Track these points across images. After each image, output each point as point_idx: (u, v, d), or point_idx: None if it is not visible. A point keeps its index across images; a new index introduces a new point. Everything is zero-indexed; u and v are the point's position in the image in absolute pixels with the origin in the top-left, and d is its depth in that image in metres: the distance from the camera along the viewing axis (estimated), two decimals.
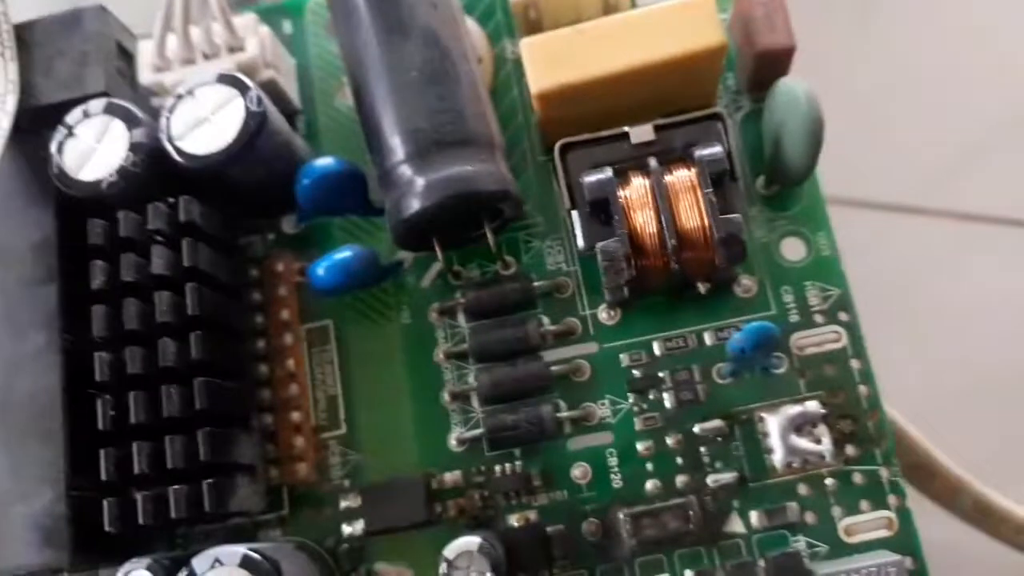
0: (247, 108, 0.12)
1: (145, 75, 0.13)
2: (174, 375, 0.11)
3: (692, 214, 0.11)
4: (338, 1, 0.13)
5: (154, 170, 0.12)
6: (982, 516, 0.18)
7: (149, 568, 0.11)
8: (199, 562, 0.11)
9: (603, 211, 0.12)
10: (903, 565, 0.11)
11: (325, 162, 0.13)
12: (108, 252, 0.12)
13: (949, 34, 0.23)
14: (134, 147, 0.12)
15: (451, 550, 0.11)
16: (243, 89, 0.12)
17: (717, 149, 0.11)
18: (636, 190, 0.12)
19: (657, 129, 0.12)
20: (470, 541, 0.11)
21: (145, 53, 0.13)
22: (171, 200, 0.12)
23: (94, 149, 0.12)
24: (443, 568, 0.11)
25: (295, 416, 0.13)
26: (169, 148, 0.12)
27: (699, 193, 0.11)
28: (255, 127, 0.12)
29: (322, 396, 0.13)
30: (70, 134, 0.12)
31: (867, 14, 0.24)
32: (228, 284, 0.12)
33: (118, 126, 0.12)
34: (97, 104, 0.12)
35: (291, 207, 0.14)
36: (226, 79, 0.12)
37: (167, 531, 0.12)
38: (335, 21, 0.13)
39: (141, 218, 0.12)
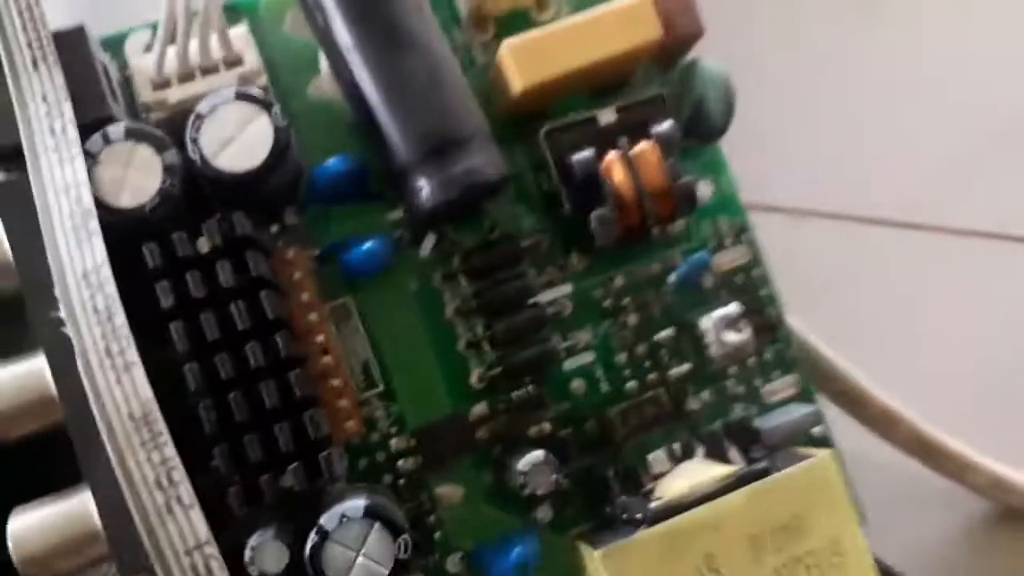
0: (275, 125, 0.13)
1: (146, 94, 0.14)
2: (265, 373, 0.13)
3: (657, 179, 0.15)
4: (323, 18, 0.14)
5: (187, 188, 0.13)
6: (923, 449, 0.20)
7: (277, 536, 0.13)
8: (327, 520, 0.13)
9: (591, 183, 0.15)
10: (816, 410, 0.16)
11: (337, 163, 0.15)
12: (169, 272, 0.13)
13: (938, 45, 0.25)
14: (168, 169, 0.13)
15: (524, 463, 0.14)
16: (267, 106, 0.13)
17: (669, 123, 0.15)
18: (613, 163, 0.15)
19: (617, 111, 0.15)
20: (536, 455, 0.14)
21: (142, 71, 0.14)
22: (219, 216, 0.13)
23: (124, 176, 0.13)
24: (521, 479, 0.14)
25: (335, 383, 0.15)
26: (205, 168, 0.13)
27: (660, 161, 0.15)
28: (285, 142, 0.13)
29: (356, 363, 0.15)
30: (96, 162, 0.13)
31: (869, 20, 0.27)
32: (275, 282, 0.14)
33: (145, 150, 0.13)
34: (116, 130, 0.13)
35: (292, 200, 0.15)
36: (246, 97, 0.13)
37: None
38: (322, 39, 0.14)
39: (187, 235, 0.13)
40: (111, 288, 0.11)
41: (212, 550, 0.11)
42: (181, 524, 0.11)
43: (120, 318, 0.11)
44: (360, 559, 0.12)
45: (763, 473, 0.14)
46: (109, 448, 0.11)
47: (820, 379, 0.18)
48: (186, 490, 0.11)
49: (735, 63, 0.16)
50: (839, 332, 0.19)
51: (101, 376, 0.11)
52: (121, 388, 0.11)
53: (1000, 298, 0.23)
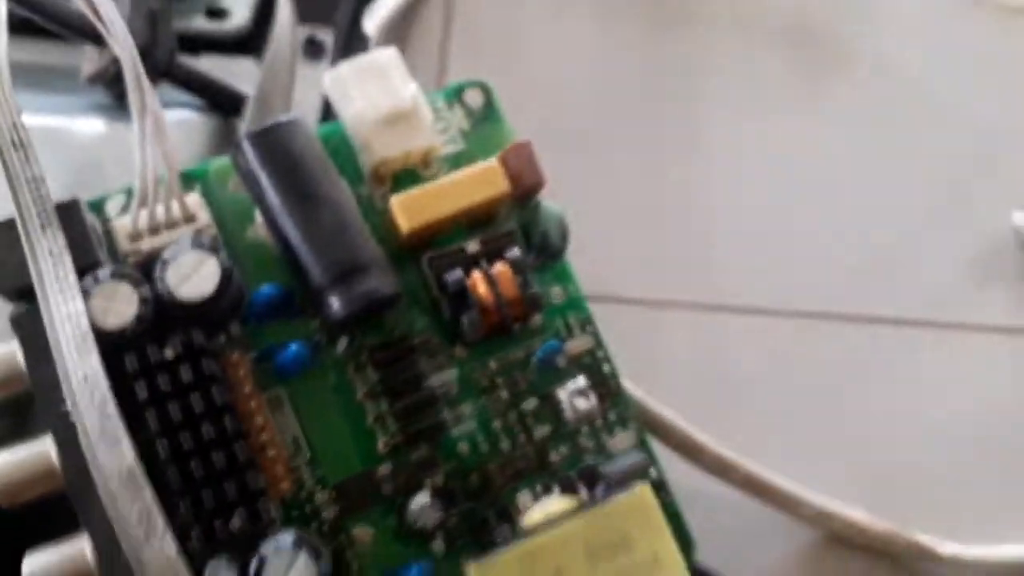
0: (221, 266, 0.18)
1: (124, 245, 0.19)
2: (217, 445, 0.17)
3: (510, 290, 0.20)
4: (256, 184, 0.19)
5: (156, 311, 0.18)
6: (755, 488, 0.24)
7: (228, 566, 0.17)
8: (265, 548, 0.17)
9: (462, 295, 0.20)
10: (646, 456, 0.21)
11: (269, 288, 0.19)
12: (144, 373, 0.17)
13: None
14: (143, 300, 0.18)
15: (415, 504, 0.18)
16: (215, 252, 0.18)
17: (516, 250, 0.20)
18: (477, 280, 0.20)
19: (481, 242, 0.20)
20: (423, 498, 0.19)
21: (121, 229, 0.19)
22: (180, 331, 0.18)
23: (108, 307, 0.18)
24: (413, 517, 0.18)
25: (271, 452, 0.19)
26: (170, 298, 0.18)
27: (512, 278, 0.20)
28: (228, 278, 0.18)
29: (287, 437, 0.19)
30: (89, 296, 0.18)
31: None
32: (223, 379, 0.19)
33: (125, 287, 0.18)
34: (104, 273, 0.18)
35: (236, 317, 0.20)
36: (199, 246, 0.18)
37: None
38: (256, 198, 0.19)
39: (157, 347, 0.18)
40: (104, 386, 0.16)
41: (181, 567, 0.15)
42: (157, 549, 0.15)
43: (111, 407, 0.16)
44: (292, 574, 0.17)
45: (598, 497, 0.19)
46: (104, 499, 0.15)
47: (659, 435, 0.23)
48: (160, 524, 0.15)
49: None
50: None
51: (99, 449, 0.15)
52: (113, 456, 0.15)
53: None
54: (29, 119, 0.18)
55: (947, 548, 0.25)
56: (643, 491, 0.19)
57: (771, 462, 0.25)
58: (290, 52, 0.23)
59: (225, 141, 0.25)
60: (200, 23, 0.27)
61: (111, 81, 0.23)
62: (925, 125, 0.31)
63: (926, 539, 0.25)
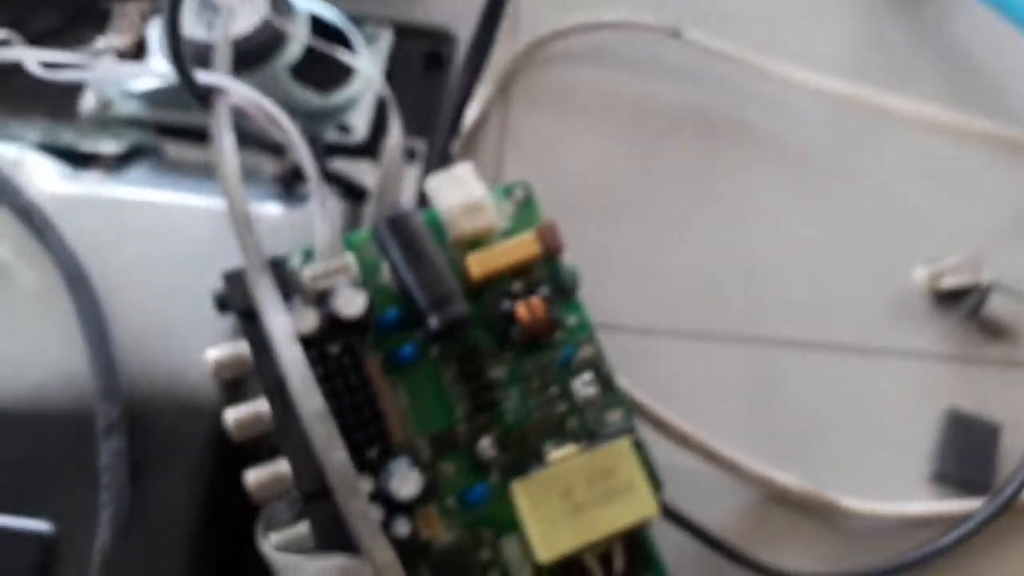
0: (365, 297, 0.30)
1: (308, 284, 0.30)
2: (360, 404, 0.29)
3: (541, 313, 0.31)
4: (387, 247, 0.31)
5: (328, 324, 0.30)
6: (710, 457, 0.33)
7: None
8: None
9: (510, 317, 0.31)
10: (632, 425, 0.32)
11: (391, 313, 0.31)
12: (319, 362, 0.29)
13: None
14: (320, 317, 0.29)
15: (481, 446, 0.30)
16: (362, 289, 0.30)
17: (545, 289, 0.31)
18: (520, 307, 0.31)
19: (522, 285, 0.32)
20: (486, 443, 0.30)
21: (306, 274, 0.31)
22: (343, 339, 0.30)
23: (300, 320, 0.29)
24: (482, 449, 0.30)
25: (391, 415, 0.31)
26: (336, 316, 0.30)
27: (543, 306, 0.31)
28: (370, 304, 0.30)
29: (402, 406, 0.31)
30: (290, 307, 0.29)
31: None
32: (366, 367, 0.30)
33: (310, 310, 0.29)
34: (296, 300, 0.29)
35: (369, 331, 0.31)
36: (353, 284, 0.30)
37: None
38: (383, 253, 0.31)
39: (328, 344, 0.29)
40: (303, 364, 0.27)
41: (350, 469, 0.26)
42: (336, 458, 0.26)
43: (308, 375, 0.27)
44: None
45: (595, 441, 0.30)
46: (304, 426, 0.26)
47: (641, 413, 0.34)
48: (339, 442, 0.26)
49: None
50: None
51: (301, 397, 0.27)
52: (310, 401, 0.27)
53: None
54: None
55: (847, 502, 0.35)
56: (623, 442, 0.30)
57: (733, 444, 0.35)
58: (399, 157, 0.35)
59: (352, 221, 0.37)
60: (333, 135, 0.40)
61: (287, 179, 0.35)
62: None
63: (832, 494, 0.35)
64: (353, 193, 0.38)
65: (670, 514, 0.33)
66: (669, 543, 0.31)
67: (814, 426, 0.37)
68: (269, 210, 0.34)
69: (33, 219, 0.33)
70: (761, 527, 0.35)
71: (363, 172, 0.38)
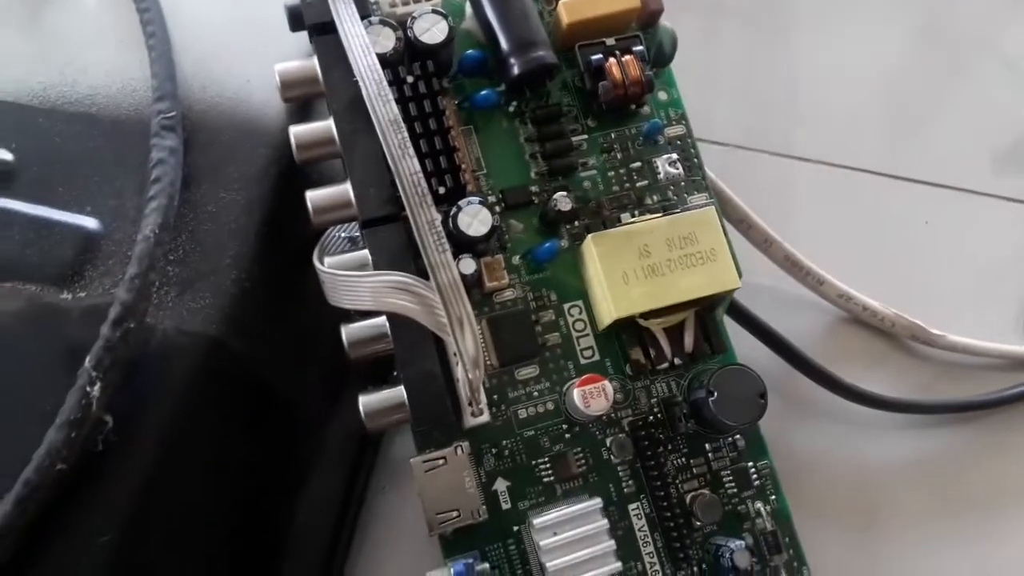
0: (448, 25, 0.28)
1: (386, 8, 0.28)
2: (434, 133, 0.27)
3: (633, 71, 0.28)
4: None
5: (406, 47, 0.27)
6: (792, 265, 0.31)
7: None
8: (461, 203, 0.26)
9: (600, 72, 0.29)
10: (712, 204, 0.29)
11: (472, 54, 0.29)
12: (393, 84, 0.27)
13: None
14: (398, 39, 0.27)
15: (556, 198, 0.27)
16: (444, 17, 0.28)
17: (639, 47, 0.29)
18: (612, 63, 0.29)
19: (616, 40, 0.29)
20: (561, 195, 0.28)
21: (384, 3, 0.28)
22: (420, 64, 0.27)
23: (376, 40, 0.27)
24: (552, 203, 0.27)
25: (464, 165, 0.28)
26: (416, 40, 0.27)
27: (635, 63, 0.29)
28: (451, 33, 0.27)
29: (473, 154, 0.29)
30: (367, 32, 0.27)
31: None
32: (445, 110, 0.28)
33: (388, 30, 0.27)
34: (375, 19, 0.27)
35: (448, 71, 0.29)
36: (436, 12, 0.28)
37: None
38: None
39: (406, 68, 0.27)
40: (379, 69, 0.25)
41: (422, 181, 0.24)
42: (408, 164, 0.24)
43: (383, 81, 0.25)
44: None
45: (675, 210, 0.27)
46: (379, 133, 0.24)
47: (725, 209, 0.31)
48: (411, 149, 0.24)
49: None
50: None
51: (377, 103, 0.25)
52: (385, 108, 0.25)
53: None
54: None
55: (936, 331, 0.32)
56: (709, 209, 0.28)
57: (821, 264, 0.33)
58: None
59: None
60: None
61: None
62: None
63: (921, 323, 0.32)
64: None
65: (740, 315, 0.31)
66: (739, 352, 0.28)
67: (908, 258, 0.35)
68: None
69: None
70: (839, 348, 0.33)
71: None
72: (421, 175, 0.24)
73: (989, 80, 0.39)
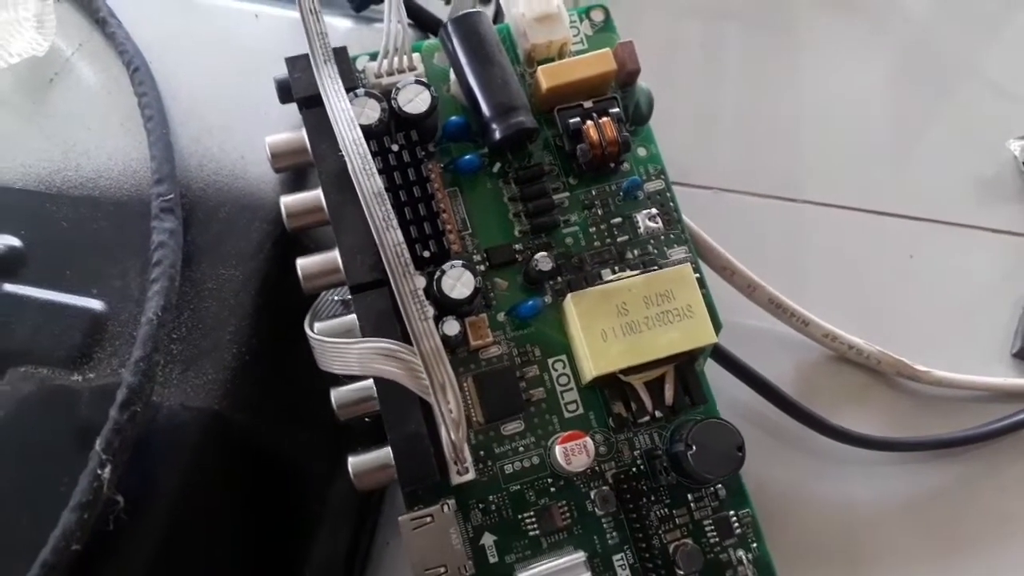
0: (431, 95, 0.29)
1: (372, 79, 0.29)
2: (418, 199, 0.28)
3: (610, 133, 0.29)
4: (454, 50, 0.30)
5: (390, 118, 0.29)
6: (777, 308, 0.32)
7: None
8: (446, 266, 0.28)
9: (578, 135, 0.30)
10: (692, 260, 0.30)
11: (455, 120, 0.30)
12: (378, 155, 0.28)
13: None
14: (383, 110, 0.28)
15: (537, 259, 0.29)
16: (427, 87, 0.29)
17: (616, 109, 0.30)
18: (589, 126, 0.30)
19: (593, 103, 0.30)
20: (542, 255, 0.29)
21: (370, 69, 0.30)
22: (404, 135, 0.29)
23: (362, 112, 0.28)
24: (534, 264, 0.28)
25: (448, 226, 0.30)
26: (399, 111, 0.29)
27: (612, 126, 0.30)
28: (435, 103, 0.29)
29: (459, 217, 0.30)
30: (353, 105, 0.28)
31: None
32: (428, 177, 0.29)
33: (373, 101, 0.28)
34: (360, 91, 0.28)
35: (433, 138, 0.30)
36: (419, 82, 0.29)
37: None
38: (448, 55, 0.30)
39: (389, 138, 0.28)
40: (363, 144, 0.26)
41: (405, 251, 0.25)
42: (391, 236, 0.25)
43: (368, 156, 0.26)
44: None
45: (654, 268, 0.28)
46: (364, 205, 0.26)
47: (707, 257, 0.32)
48: (394, 221, 0.25)
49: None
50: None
51: (361, 177, 0.26)
52: (369, 182, 0.26)
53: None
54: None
55: (921, 367, 0.33)
56: (685, 266, 0.28)
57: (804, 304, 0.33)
58: None
59: None
60: None
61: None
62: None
63: (906, 360, 0.33)
64: (426, 27, 0.37)
65: (725, 359, 0.32)
66: (721, 394, 0.29)
67: (892, 294, 0.35)
68: (338, 23, 0.33)
69: (99, 14, 0.32)
70: (825, 386, 0.33)
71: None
72: (404, 246, 0.25)
73: (971, 110, 0.39)
